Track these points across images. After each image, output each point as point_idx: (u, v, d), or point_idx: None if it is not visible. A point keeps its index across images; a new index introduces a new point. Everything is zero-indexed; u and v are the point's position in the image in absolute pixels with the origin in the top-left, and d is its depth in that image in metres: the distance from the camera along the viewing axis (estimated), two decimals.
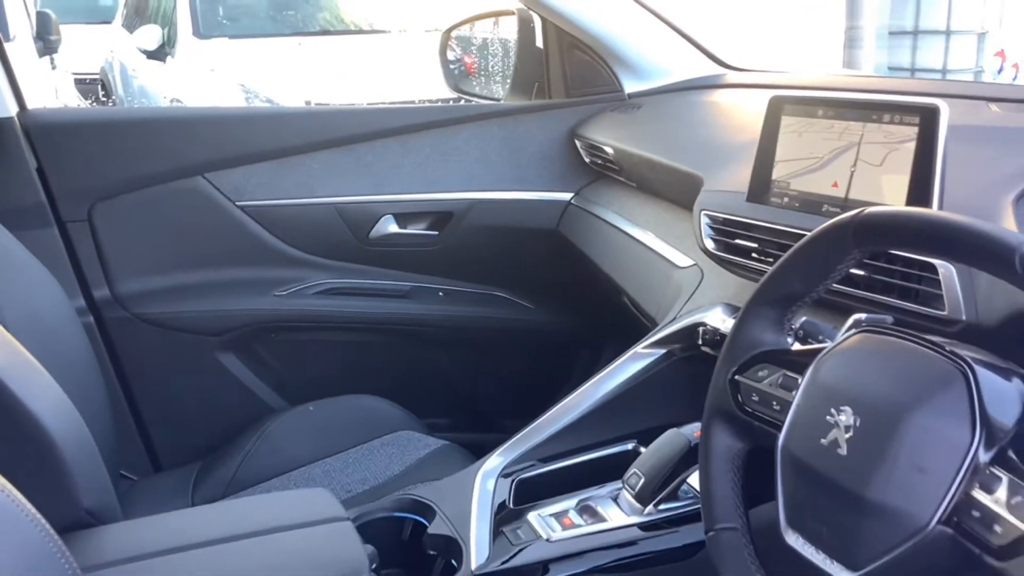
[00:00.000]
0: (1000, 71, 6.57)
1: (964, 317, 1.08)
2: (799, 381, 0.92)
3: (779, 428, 0.92)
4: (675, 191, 1.69)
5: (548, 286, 2.16)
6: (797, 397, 0.91)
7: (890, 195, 1.17)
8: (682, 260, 1.62)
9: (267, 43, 6.20)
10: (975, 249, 0.80)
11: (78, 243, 1.85)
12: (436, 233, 2.07)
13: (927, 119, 1.12)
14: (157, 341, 1.93)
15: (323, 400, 1.87)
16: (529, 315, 2.17)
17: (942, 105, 1.11)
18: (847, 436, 0.83)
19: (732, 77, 2.02)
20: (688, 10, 2.28)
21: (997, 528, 0.72)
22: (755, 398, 0.98)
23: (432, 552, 1.27)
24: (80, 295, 1.85)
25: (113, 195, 1.86)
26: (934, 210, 0.89)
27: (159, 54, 6.37)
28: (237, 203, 1.93)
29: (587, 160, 2.06)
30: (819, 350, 0.93)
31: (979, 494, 0.75)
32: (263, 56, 5.92)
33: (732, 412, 1.00)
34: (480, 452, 1.66)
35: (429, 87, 4.22)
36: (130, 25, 7.38)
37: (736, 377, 1.00)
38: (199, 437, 1.94)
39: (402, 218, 2.04)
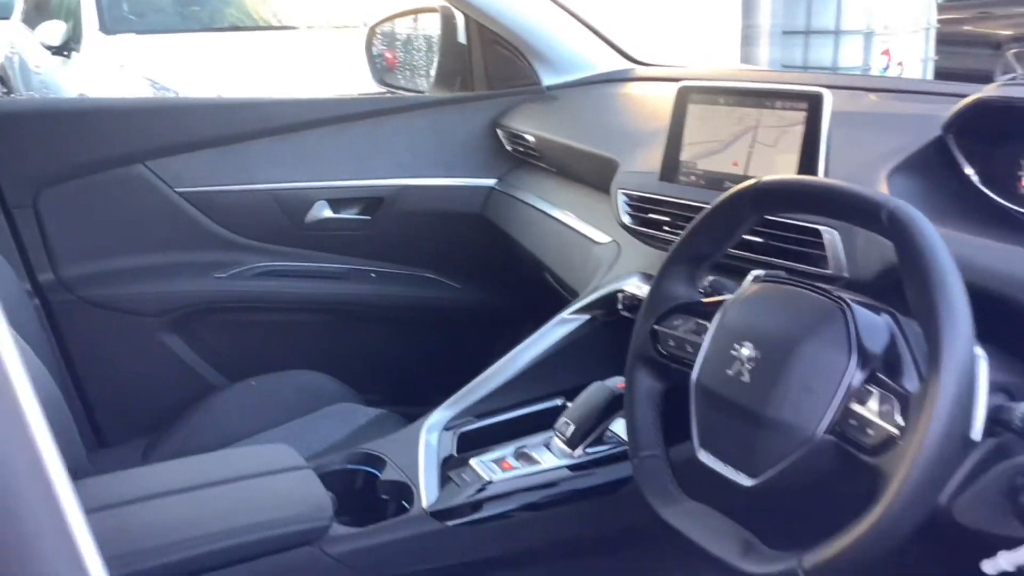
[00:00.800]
0: (886, 68, 6.94)
1: (846, 274, 1.26)
2: (708, 326, 1.09)
3: (692, 367, 1.08)
4: (592, 175, 1.84)
5: (474, 267, 2.30)
6: (706, 339, 1.07)
7: (782, 172, 1.35)
8: (601, 237, 1.77)
9: (176, 39, 6.18)
10: (849, 207, 0.97)
11: (24, 229, 1.92)
12: (368, 218, 2.18)
13: (814, 105, 1.30)
14: (101, 322, 2.00)
15: (264, 376, 1.97)
16: (456, 294, 2.31)
17: (826, 93, 1.29)
18: (749, 366, 0.99)
19: (641, 71, 2.19)
20: (599, 9, 2.44)
21: (870, 432, 0.89)
22: (671, 343, 1.14)
23: (385, 497, 1.39)
24: (26, 279, 1.91)
25: (57, 182, 1.93)
26: (815, 177, 1.06)
27: (63, 50, 6.29)
28: (176, 190, 2.02)
29: (509, 148, 2.20)
30: (725, 300, 1.10)
31: (855, 407, 0.92)
32: (172, 52, 5.90)
33: (652, 357, 1.16)
34: (414, 417, 1.79)
35: (337, 83, 4.30)
36: (30, 21, 7.24)
37: (655, 327, 1.16)
38: (144, 415, 2.01)
39: (336, 203, 2.15)
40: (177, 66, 5.66)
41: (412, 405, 2.24)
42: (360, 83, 2.98)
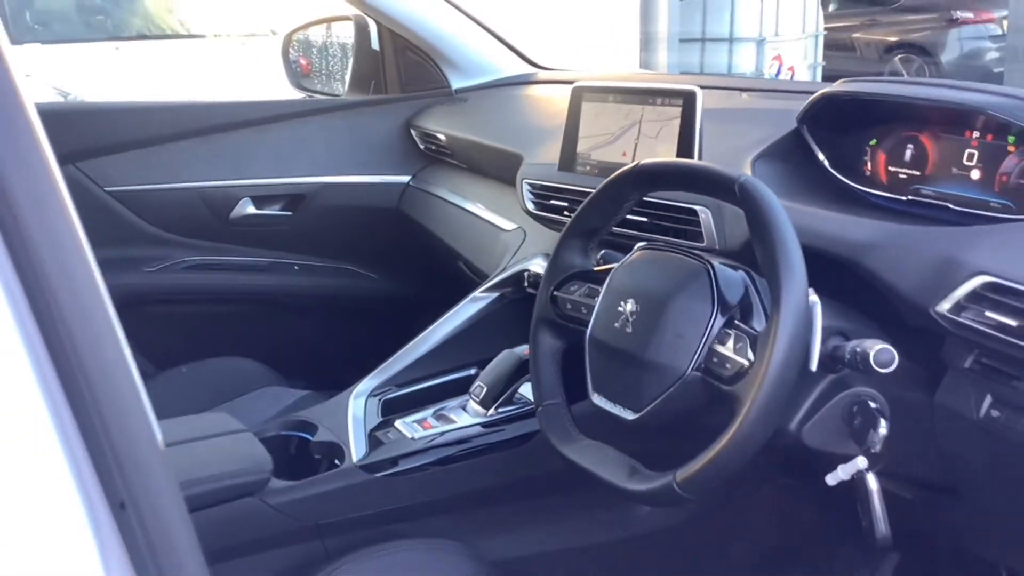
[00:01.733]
0: (778, 73, 7.31)
1: (717, 246, 1.46)
2: (599, 290, 1.27)
3: (586, 325, 1.26)
4: (499, 169, 2.02)
5: (391, 258, 2.45)
6: (598, 300, 1.25)
7: (665, 157, 1.54)
8: (508, 224, 1.95)
9: (83, 48, 6.18)
10: (709, 183, 1.16)
11: None
12: (290, 214, 2.32)
13: (687, 101, 1.50)
14: None
15: (194, 363, 2.09)
16: (374, 284, 2.46)
17: (698, 91, 1.48)
18: (631, 319, 1.17)
19: (542, 75, 2.38)
20: (503, 16, 2.63)
21: (728, 366, 1.08)
22: (569, 307, 1.31)
23: (318, 456, 1.54)
24: None
25: None
26: (683, 159, 1.25)
27: None
28: (106, 189, 2.12)
29: (422, 147, 2.36)
30: (613, 267, 1.28)
31: (717, 347, 1.11)
32: (79, 61, 5.91)
33: (553, 319, 1.33)
34: None
35: (244, 89, 4.39)
36: None
37: (555, 293, 1.34)
38: None
39: (259, 200, 2.28)
40: (84, 75, 5.67)
41: (336, 388, 2.39)
42: (268, 89, 3.10)
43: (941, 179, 1.39)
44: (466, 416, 1.56)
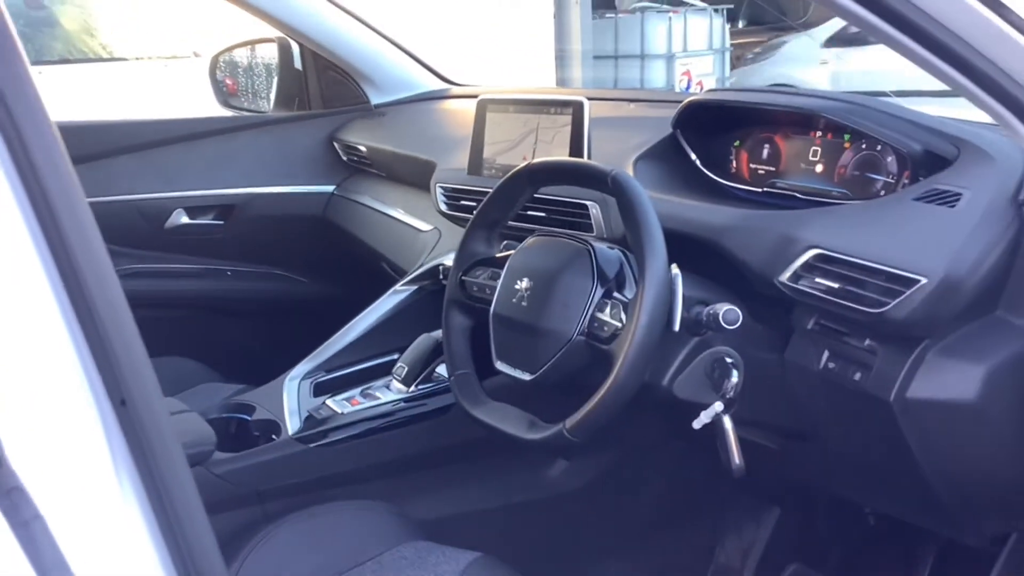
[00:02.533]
0: (687, 87, 7.65)
1: (605, 235, 1.68)
2: (500, 273, 1.47)
3: (490, 304, 1.46)
4: (415, 176, 2.21)
5: (318, 262, 2.62)
6: (499, 281, 1.46)
7: None
8: (424, 226, 2.14)
9: None
10: (588, 177, 1.38)
11: None
12: (222, 223, 2.46)
13: (576, 110, 1.71)
14: None
15: None
16: (303, 287, 2.62)
17: (585, 101, 1.70)
18: (527, 294, 1.38)
19: (454, 90, 2.59)
20: (424, 36, 2.83)
21: (606, 328, 1.30)
22: (475, 289, 1.51)
23: (256, 433, 1.71)
24: None
25: None
26: (565, 157, 1.46)
27: None
28: None
29: (344, 158, 2.55)
30: (512, 253, 1.49)
31: (597, 314, 1.32)
32: None
33: (461, 300, 1.53)
34: None
35: (169, 108, 4.50)
36: None
37: (463, 277, 1.54)
38: None
39: (192, 211, 2.43)
40: None
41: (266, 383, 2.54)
42: (194, 107, 3.23)
43: (792, 173, 1.63)
44: (390, 393, 1.75)
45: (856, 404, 1.37)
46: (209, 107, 2.82)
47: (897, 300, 1.23)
